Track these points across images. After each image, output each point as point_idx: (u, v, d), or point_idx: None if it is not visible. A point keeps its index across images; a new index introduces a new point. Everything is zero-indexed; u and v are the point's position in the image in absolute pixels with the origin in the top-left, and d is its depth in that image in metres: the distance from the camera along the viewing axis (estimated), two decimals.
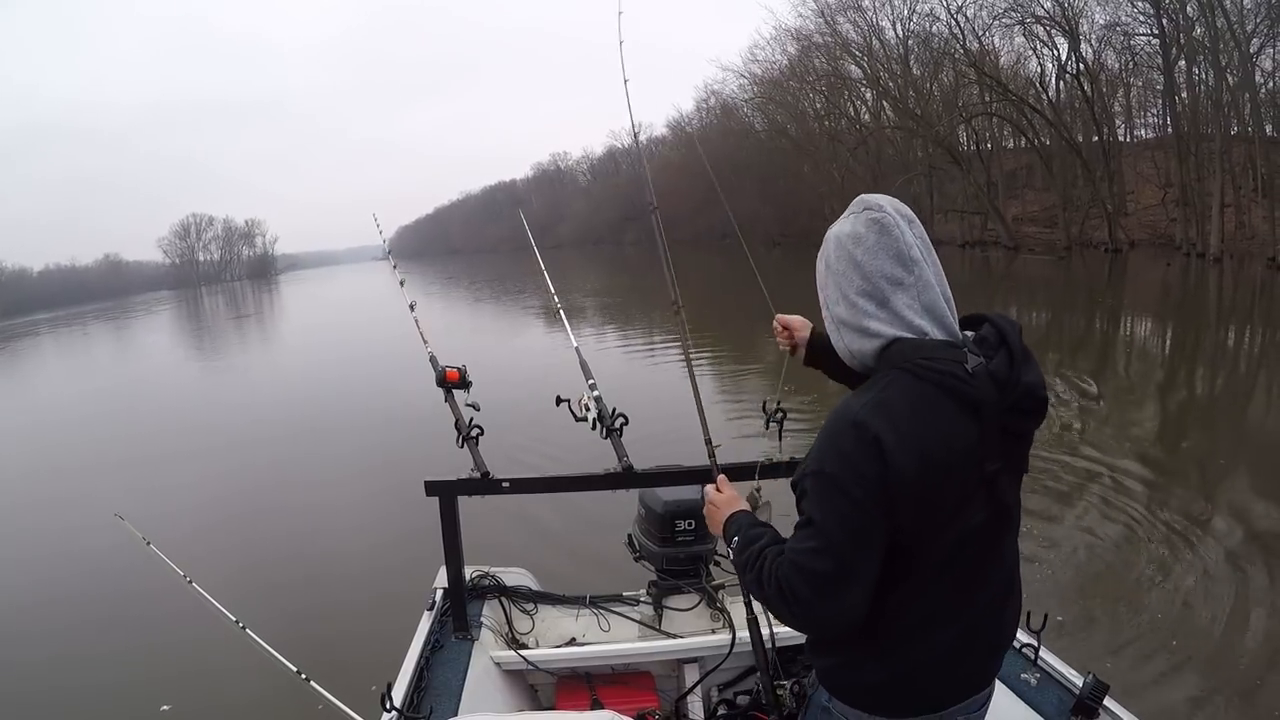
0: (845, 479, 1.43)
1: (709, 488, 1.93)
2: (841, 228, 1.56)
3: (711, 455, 2.41)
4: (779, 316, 2.15)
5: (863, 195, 1.59)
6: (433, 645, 2.77)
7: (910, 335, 1.49)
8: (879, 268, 1.49)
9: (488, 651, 2.87)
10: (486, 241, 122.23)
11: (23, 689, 5.12)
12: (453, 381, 3.00)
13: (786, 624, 1.66)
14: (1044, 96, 36.72)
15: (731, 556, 1.72)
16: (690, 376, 2.78)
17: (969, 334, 1.56)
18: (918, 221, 1.55)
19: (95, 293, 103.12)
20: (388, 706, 2.25)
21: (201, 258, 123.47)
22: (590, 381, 2.97)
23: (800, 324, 2.12)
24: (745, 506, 1.84)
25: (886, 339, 1.50)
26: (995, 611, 1.65)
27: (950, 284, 1.53)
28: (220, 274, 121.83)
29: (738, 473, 2.72)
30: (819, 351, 2.06)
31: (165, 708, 4.67)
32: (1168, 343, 15.36)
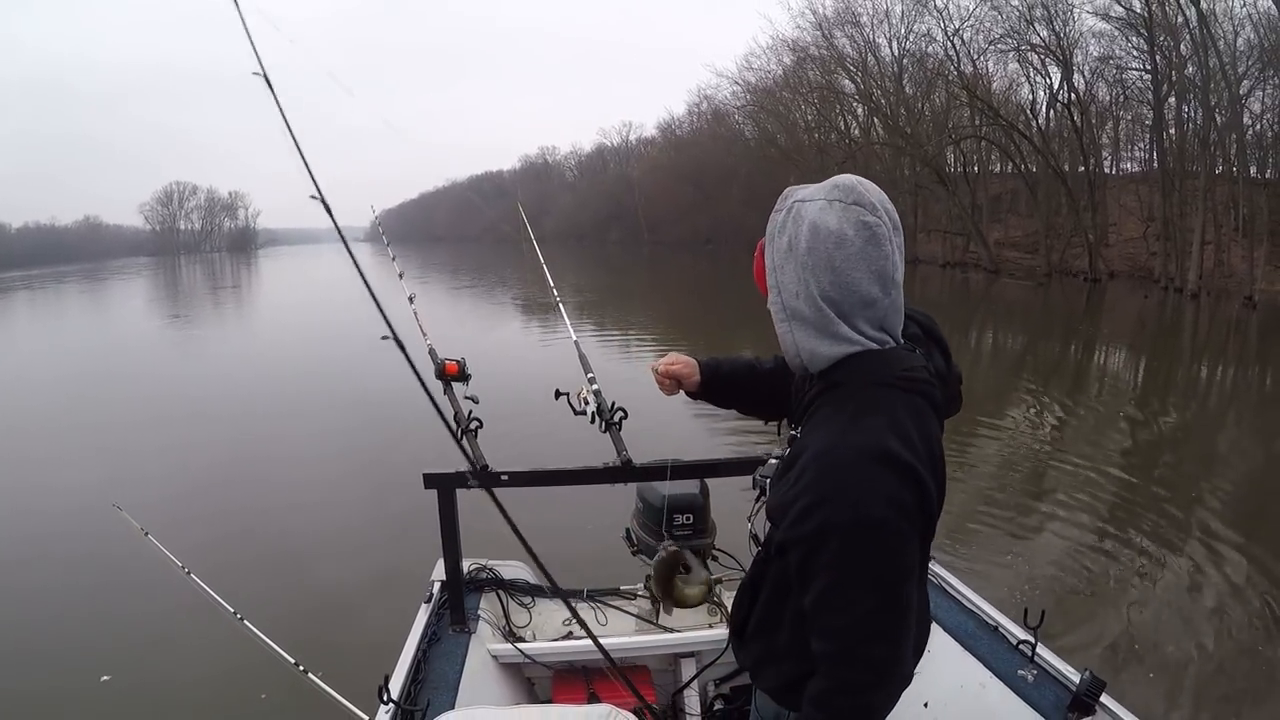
0: (891, 519, 1.29)
1: None
2: (824, 219, 1.35)
3: None
4: (664, 368, 1.98)
5: (849, 179, 1.39)
6: (430, 638, 2.76)
7: (874, 346, 1.38)
8: (856, 282, 1.34)
9: (485, 644, 2.87)
10: (470, 231, 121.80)
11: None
12: (452, 374, 2.97)
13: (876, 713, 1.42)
14: (1034, 124, 36.94)
15: None
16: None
17: None
18: (900, 227, 1.41)
19: (73, 254, 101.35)
20: (384, 699, 2.22)
21: (183, 226, 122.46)
22: (590, 375, 2.93)
23: (688, 371, 1.98)
24: None
25: (853, 350, 1.37)
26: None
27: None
28: (200, 244, 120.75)
29: (737, 467, 2.74)
30: (713, 386, 1.98)
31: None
32: (1140, 373, 15.45)
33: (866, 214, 1.34)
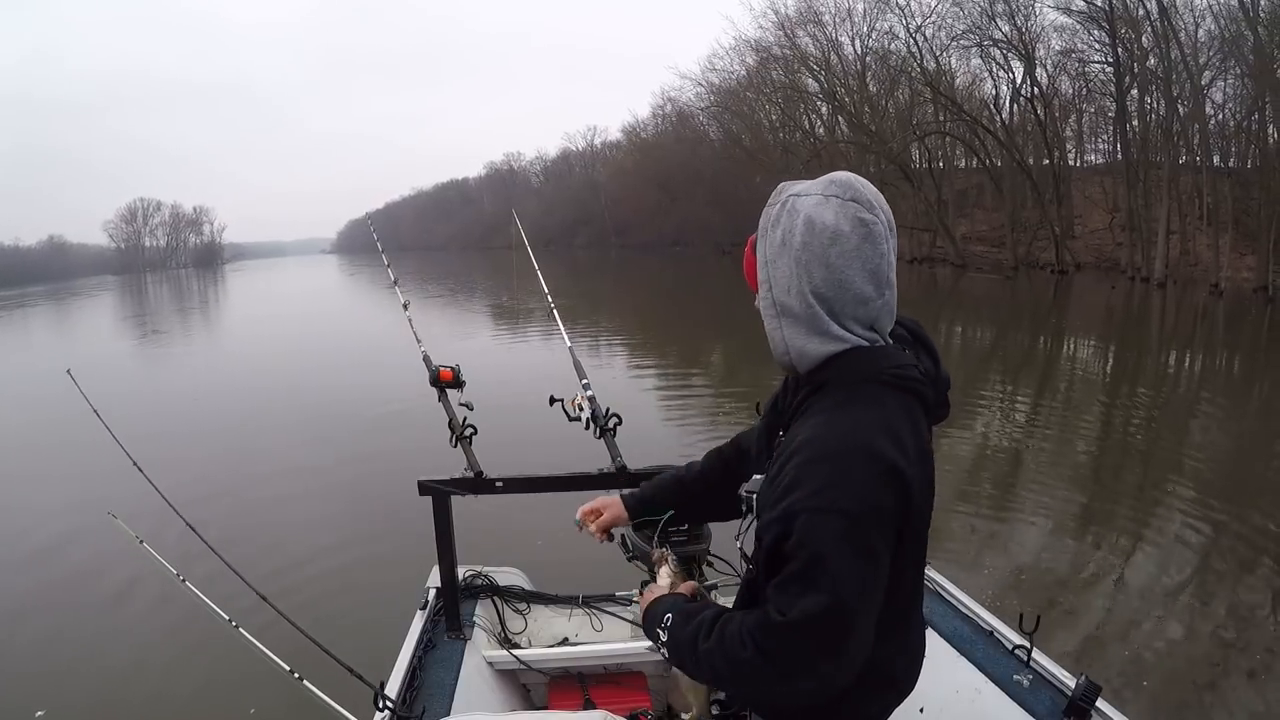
0: (864, 517, 1.24)
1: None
2: (821, 214, 1.30)
3: None
4: (595, 524, 1.98)
5: (846, 175, 1.35)
6: (425, 645, 2.78)
7: (863, 344, 1.34)
8: (850, 280, 1.30)
9: (480, 651, 2.90)
10: (436, 239, 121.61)
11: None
12: (446, 381, 2.97)
13: (766, 692, 1.42)
14: (997, 118, 37.26)
15: (662, 638, 1.52)
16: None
17: None
18: (895, 229, 1.37)
19: (39, 274, 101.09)
20: (380, 706, 2.24)
21: (148, 243, 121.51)
22: (584, 381, 2.98)
23: (611, 517, 1.97)
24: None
25: (843, 348, 1.33)
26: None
27: (898, 301, 1.38)
28: (166, 261, 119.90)
29: None
30: (642, 515, 1.96)
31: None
32: (1110, 362, 15.46)
33: (863, 211, 1.30)
